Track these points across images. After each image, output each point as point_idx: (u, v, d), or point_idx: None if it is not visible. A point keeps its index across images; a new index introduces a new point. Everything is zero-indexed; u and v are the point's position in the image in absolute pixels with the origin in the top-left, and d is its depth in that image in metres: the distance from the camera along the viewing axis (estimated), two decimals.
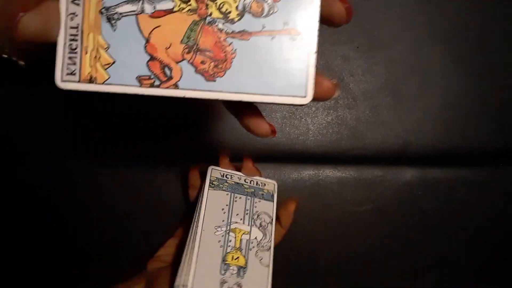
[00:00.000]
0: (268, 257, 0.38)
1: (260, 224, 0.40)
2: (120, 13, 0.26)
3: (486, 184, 0.51)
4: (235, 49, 0.26)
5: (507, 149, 0.51)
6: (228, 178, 0.42)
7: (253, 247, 0.38)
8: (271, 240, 0.39)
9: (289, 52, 0.26)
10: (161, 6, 0.26)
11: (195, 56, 0.26)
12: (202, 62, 0.26)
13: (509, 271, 0.52)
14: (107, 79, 0.26)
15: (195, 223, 0.39)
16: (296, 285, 0.50)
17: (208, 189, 0.40)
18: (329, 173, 0.50)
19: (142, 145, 0.49)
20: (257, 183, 0.43)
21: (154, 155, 0.50)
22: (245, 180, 0.42)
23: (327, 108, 0.50)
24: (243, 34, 0.26)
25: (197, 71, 0.26)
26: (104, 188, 0.49)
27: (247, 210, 0.40)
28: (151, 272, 0.41)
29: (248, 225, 0.39)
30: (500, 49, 0.51)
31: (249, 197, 0.41)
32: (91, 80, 0.26)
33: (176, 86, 0.26)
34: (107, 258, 0.48)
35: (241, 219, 0.39)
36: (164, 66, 0.26)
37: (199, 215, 0.38)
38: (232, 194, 0.41)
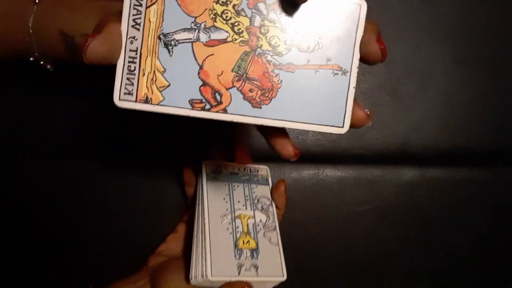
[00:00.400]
0: (276, 236, 0.40)
1: (261, 207, 0.42)
2: (177, 40, 0.28)
3: (486, 184, 0.51)
4: (281, 80, 0.29)
5: (507, 149, 0.51)
6: (222, 169, 0.43)
7: (260, 229, 0.40)
8: (275, 221, 0.41)
9: (331, 85, 0.29)
10: (215, 36, 0.28)
11: (244, 84, 0.28)
12: (250, 90, 0.28)
13: (509, 271, 0.52)
14: (161, 101, 0.28)
15: (200, 216, 0.40)
16: (296, 285, 0.50)
17: (207, 182, 0.41)
18: (329, 172, 0.50)
19: (141, 144, 0.49)
20: (250, 170, 0.44)
21: (153, 153, 0.50)
22: (239, 169, 0.44)
23: None
24: (290, 66, 0.29)
25: (245, 98, 0.28)
26: (104, 186, 0.49)
27: (247, 196, 0.42)
28: (154, 267, 0.42)
29: (251, 209, 0.41)
30: (500, 49, 0.51)
31: (246, 184, 0.43)
32: (146, 101, 0.28)
33: (225, 110, 0.28)
34: (107, 256, 0.48)
35: (243, 206, 0.41)
36: (215, 91, 0.28)
37: (203, 208, 0.39)
38: (230, 183, 0.42)
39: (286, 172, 0.50)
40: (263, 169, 0.45)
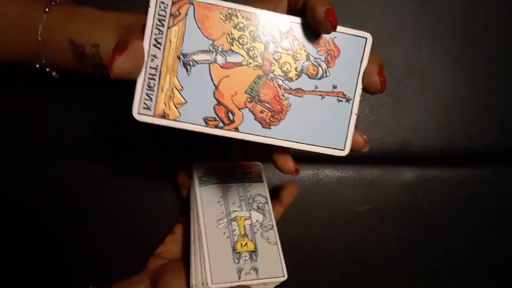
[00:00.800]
0: (274, 235, 0.39)
1: (257, 206, 0.41)
2: (195, 60, 0.29)
3: (486, 184, 0.51)
4: (290, 104, 0.31)
5: (507, 149, 0.51)
6: (214, 170, 0.42)
7: (257, 229, 0.39)
8: (272, 219, 0.40)
9: (335, 111, 0.31)
10: (231, 59, 0.30)
11: (256, 106, 0.30)
12: (261, 112, 0.30)
13: (509, 271, 0.52)
14: (178, 117, 0.30)
15: (196, 222, 0.39)
16: (296, 285, 0.50)
17: (199, 186, 0.41)
18: (329, 173, 0.50)
19: (141, 145, 0.49)
20: (243, 168, 0.43)
21: (153, 154, 0.50)
22: (231, 169, 0.43)
23: None
24: (299, 91, 0.31)
25: (256, 118, 0.30)
26: (103, 187, 0.49)
27: (241, 196, 0.41)
28: (154, 270, 0.42)
29: (247, 210, 0.40)
30: (500, 49, 0.51)
31: (240, 184, 0.42)
32: (163, 116, 0.29)
33: (236, 129, 0.30)
34: (106, 256, 0.48)
35: (238, 207, 0.40)
36: (228, 111, 0.30)
37: (198, 214, 0.39)
38: (223, 185, 0.41)
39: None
40: (256, 166, 0.44)
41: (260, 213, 0.40)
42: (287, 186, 0.45)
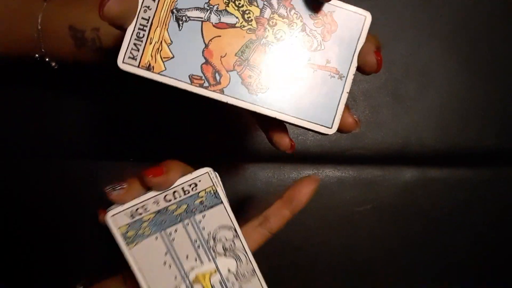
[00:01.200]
0: (258, 281, 0.30)
1: (223, 248, 0.29)
2: (189, 17, 0.29)
3: (486, 184, 0.51)
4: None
5: (507, 149, 0.51)
6: (141, 214, 0.29)
7: (233, 283, 0.30)
8: (249, 260, 0.30)
9: (326, 86, 0.30)
10: (225, 19, 0.29)
11: (245, 70, 0.30)
12: (249, 77, 0.30)
13: (509, 271, 0.52)
14: (163, 70, 0.29)
15: None
16: (296, 285, 0.50)
17: (128, 248, 0.29)
18: (329, 173, 0.50)
19: (141, 144, 0.49)
20: (184, 190, 0.29)
21: (153, 153, 0.50)
22: (165, 199, 0.29)
23: None
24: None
25: (243, 83, 0.30)
26: (103, 186, 0.49)
27: (196, 241, 0.29)
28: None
29: (210, 260, 0.29)
30: (500, 48, 0.51)
31: (187, 221, 0.29)
32: (148, 68, 0.29)
33: (222, 91, 0.29)
34: (106, 257, 0.48)
35: (196, 259, 0.29)
36: (215, 71, 0.29)
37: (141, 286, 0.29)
38: (163, 233, 0.29)
39: (285, 172, 0.50)
40: (203, 178, 0.29)
41: (231, 257, 0.30)
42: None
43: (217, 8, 0.29)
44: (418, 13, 0.50)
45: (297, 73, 0.30)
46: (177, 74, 0.29)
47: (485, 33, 0.51)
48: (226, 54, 0.29)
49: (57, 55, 0.36)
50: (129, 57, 0.28)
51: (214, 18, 0.29)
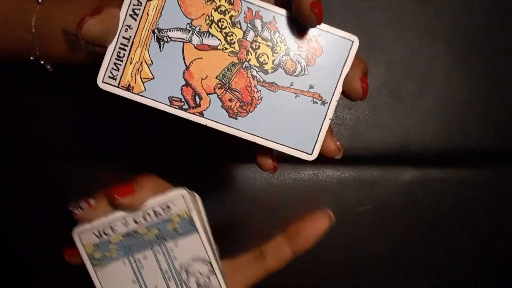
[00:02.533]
0: None
1: (197, 283, 0.26)
2: (170, 37, 0.29)
3: (486, 184, 0.51)
4: (262, 97, 0.29)
5: (507, 149, 0.51)
6: (109, 234, 0.26)
7: None
8: None
9: (308, 112, 0.29)
10: (207, 41, 0.29)
11: (225, 93, 0.29)
12: (230, 100, 0.29)
13: (509, 271, 0.52)
14: (142, 91, 0.29)
15: None
16: (296, 285, 0.50)
17: (93, 270, 0.27)
18: (329, 173, 0.50)
19: (141, 144, 0.49)
20: (155, 212, 0.26)
21: (152, 153, 0.50)
22: (135, 220, 0.26)
23: None
24: (272, 85, 0.29)
25: (223, 106, 0.29)
26: (102, 186, 0.49)
27: (166, 271, 0.26)
28: None
29: None
30: (500, 49, 0.51)
31: (157, 248, 0.26)
32: (128, 88, 0.29)
33: (201, 114, 0.29)
34: None
35: None
36: (195, 94, 0.29)
37: None
38: (131, 258, 0.26)
39: (285, 172, 0.50)
40: (177, 200, 0.26)
41: None
42: (314, 218, 0.29)
43: (199, 29, 0.29)
44: (418, 13, 0.50)
45: (278, 98, 0.29)
46: (156, 96, 0.29)
47: (485, 33, 0.50)
48: (207, 76, 0.29)
49: (52, 57, 0.35)
50: (109, 77, 0.28)
51: (196, 40, 0.29)
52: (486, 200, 0.51)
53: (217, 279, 0.26)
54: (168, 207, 0.26)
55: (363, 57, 0.30)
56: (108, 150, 0.49)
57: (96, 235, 0.26)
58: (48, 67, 0.36)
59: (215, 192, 0.49)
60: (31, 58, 0.35)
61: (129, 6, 0.28)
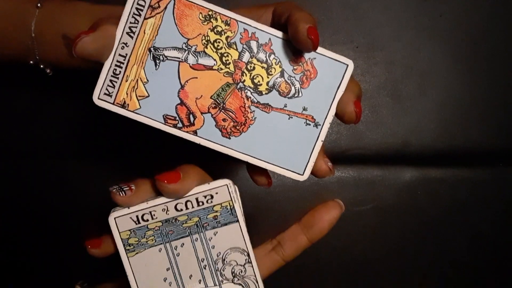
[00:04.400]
0: None
1: (232, 273, 0.26)
2: (166, 56, 0.29)
3: (486, 184, 0.51)
4: (255, 118, 0.30)
5: (507, 149, 0.51)
6: (147, 220, 0.27)
7: None
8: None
9: (301, 134, 0.30)
10: (203, 61, 0.29)
11: (219, 113, 0.30)
12: (224, 120, 0.30)
13: (509, 271, 0.52)
14: (137, 109, 0.29)
15: None
16: (296, 285, 0.50)
17: (127, 256, 0.26)
18: None
19: (141, 144, 0.49)
20: (197, 201, 0.27)
21: (153, 155, 0.50)
22: (176, 208, 0.27)
23: None
24: (266, 106, 0.30)
25: (216, 125, 0.30)
26: (104, 188, 0.49)
27: (203, 260, 0.26)
28: None
29: (215, 285, 0.26)
30: (500, 49, 0.51)
31: (196, 236, 0.26)
32: (123, 105, 0.29)
33: (195, 132, 0.30)
34: (106, 257, 0.48)
35: (200, 281, 0.26)
36: (190, 113, 0.29)
37: None
38: (168, 245, 0.26)
39: None
40: (221, 190, 0.27)
41: (239, 284, 0.26)
42: (326, 208, 0.32)
43: (195, 49, 0.29)
44: (418, 13, 0.50)
45: (272, 119, 0.30)
46: (151, 114, 0.29)
47: (485, 33, 0.50)
48: (201, 96, 0.29)
49: (51, 61, 0.36)
50: (105, 94, 0.29)
51: (191, 59, 0.29)
52: (486, 200, 0.51)
53: (253, 269, 0.27)
54: (211, 196, 0.27)
55: (357, 81, 0.30)
56: (108, 150, 0.49)
57: (134, 221, 0.26)
58: (48, 71, 0.36)
59: None
60: (31, 62, 0.35)
61: (126, 24, 0.28)
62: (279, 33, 0.29)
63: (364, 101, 0.50)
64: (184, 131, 0.29)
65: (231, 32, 0.29)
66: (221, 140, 0.30)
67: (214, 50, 0.29)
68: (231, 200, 0.28)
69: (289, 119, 0.30)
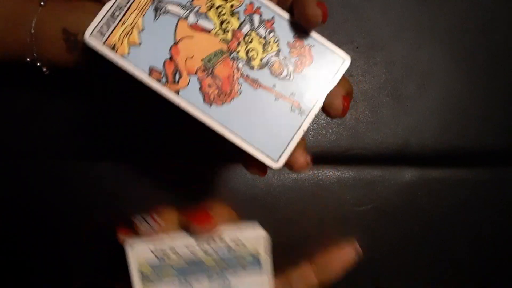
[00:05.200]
0: None
1: None
2: (168, 10, 0.29)
3: (486, 184, 0.51)
4: (241, 91, 0.29)
5: (507, 149, 0.51)
6: (169, 257, 0.24)
7: None
8: None
9: (283, 119, 0.29)
10: (202, 23, 0.29)
11: (206, 78, 0.29)
12: (209, 86, 0.29)
13: (509, 271, 0.52)
14: (125, 54, 0.28)
15: None
16: None
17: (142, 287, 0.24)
18: (329, 173, 0.50)
19: (142, 146, 0.49)
20: (228, 246, 0.25)
21: (153, 155, 0.50)
22: (203, 248, 0.25)
23: None
24: (255, 82, 0.29)
25: (201, 90, 0.29)
26: (104, 188, 0.49)
27: None
28: None
29: None
30: (501, 49, 0.51)
31: (218, 279, 0.24)
32: (113, 48, 0.28)
33: (177, 92, 0.29)
34: (106, 258, 0.48)
35: None
36: (176, 70, 0.29)
37: None
38: (184, 279, 0.24)
39: (285, 173, 0.50)
40: (254, 239, 0.25)
41: None
42: (342, 251, 0.29)
43: (198, 9, 0.29)
44: (418, 13, 0.50)
45: (258, 96, 0.29)
46: (138, 63, 0.28)
47: (485, 33, 0.50)
48: (193, 56, 0.29)
49: (49, 59, 0.35)
50: (98, 31, 0.28)
51: (192, 19, 0.29)
52: (486, 200, 0.51)
53: None
54: (244, 244, 0.25)
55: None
56: (108, 150, 0.49)
57: (156, 255, 0.24)
58: (44, 69, 0.36)
59: (215, 192, 0.49)
60: (28, 59, 0.35)
61: None
62: (285, 14, 0.29)
63: (364, 101, 0.50)
64: (165, 88, 0.28)
65: (237, 2, 0.29)
66: (202, 105, 0.29)
67: (216, 15, 0.29)
68: (263, 252, 0.25)
69: (275, 100, 0.29)
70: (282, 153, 0.29)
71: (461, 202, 0.51)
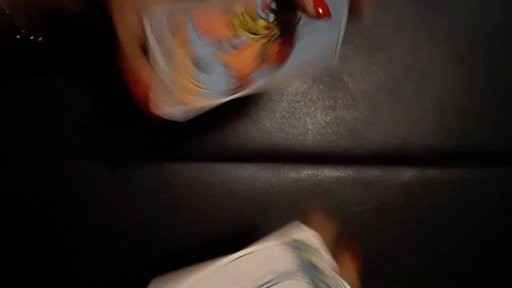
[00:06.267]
0: None
1: None
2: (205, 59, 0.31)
3: (486, 185, 0.51)
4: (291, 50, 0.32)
5: (507, 149, 0.51)
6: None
7: None
8: None
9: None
10: (237, 45, 0.31)
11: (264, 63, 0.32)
12: (270, 63, 0.32)
13: (509, 271, 0.52)
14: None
15: None
16: None
17: None
18: (328, 173, 0.50)
19: (142, 146, 0.49)
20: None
21: (153, 155, 0.50)
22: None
23: (326, 108, 0.50)
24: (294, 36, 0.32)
25: (266, 69, 0.32)
26: (104, 188, 0.49)
27: None
28: None
29: None
30: (500, 49, 0.51)
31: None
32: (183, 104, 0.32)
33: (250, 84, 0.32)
34: (106, 258, 0.48)
35: None
36: (241, 80, 0.32)
37: None
38: None
39: (285, 172, 0.50)
40: (311, 240, 0.22)
41: None
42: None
43: (227, 39, 0.30)
44: (418, 13, 0.50)
45: (301, 45, 0.32)
46: (213, 98, 0.31)
47: (485, 33, 0.50)
48: (246, 64, 0.31)
49: (36, 27, 0.33)
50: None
51: (227, 47, 0.31)
52: (486, 200, 0.51)
53: None
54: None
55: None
56: (109, 150, 0.49)
57: None
58: (40, 39, 0.34)
59: (215, 192, 0.49)
60: (18, 36, 0.33)
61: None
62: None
63: (363, 101, 0.50)
64: (246, 91, 0.31)
65: (251, 8, 0.30)
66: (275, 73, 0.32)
67: (247, 31, 0.30)
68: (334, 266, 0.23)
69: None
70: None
71: (460, 202, 0.51)
